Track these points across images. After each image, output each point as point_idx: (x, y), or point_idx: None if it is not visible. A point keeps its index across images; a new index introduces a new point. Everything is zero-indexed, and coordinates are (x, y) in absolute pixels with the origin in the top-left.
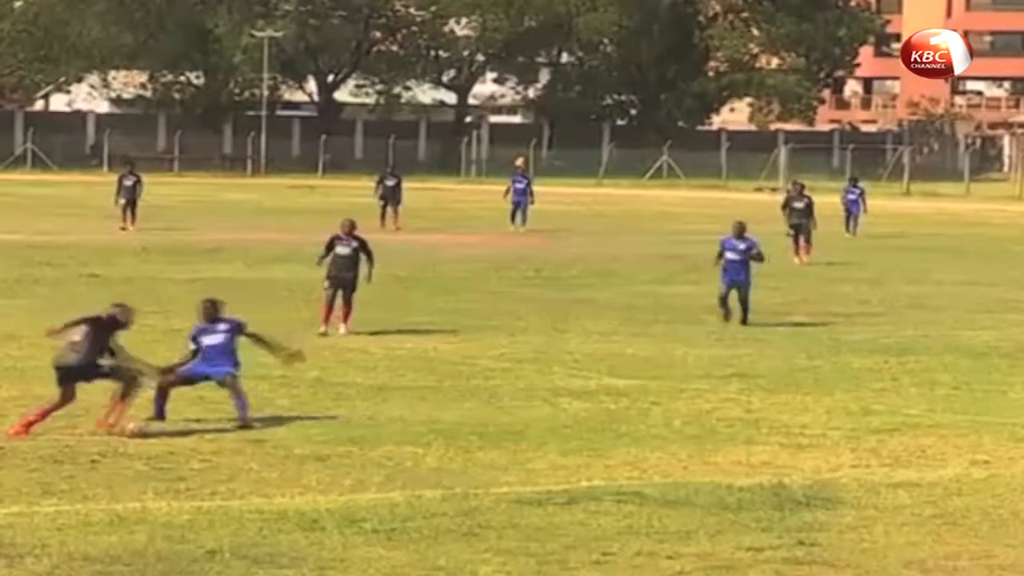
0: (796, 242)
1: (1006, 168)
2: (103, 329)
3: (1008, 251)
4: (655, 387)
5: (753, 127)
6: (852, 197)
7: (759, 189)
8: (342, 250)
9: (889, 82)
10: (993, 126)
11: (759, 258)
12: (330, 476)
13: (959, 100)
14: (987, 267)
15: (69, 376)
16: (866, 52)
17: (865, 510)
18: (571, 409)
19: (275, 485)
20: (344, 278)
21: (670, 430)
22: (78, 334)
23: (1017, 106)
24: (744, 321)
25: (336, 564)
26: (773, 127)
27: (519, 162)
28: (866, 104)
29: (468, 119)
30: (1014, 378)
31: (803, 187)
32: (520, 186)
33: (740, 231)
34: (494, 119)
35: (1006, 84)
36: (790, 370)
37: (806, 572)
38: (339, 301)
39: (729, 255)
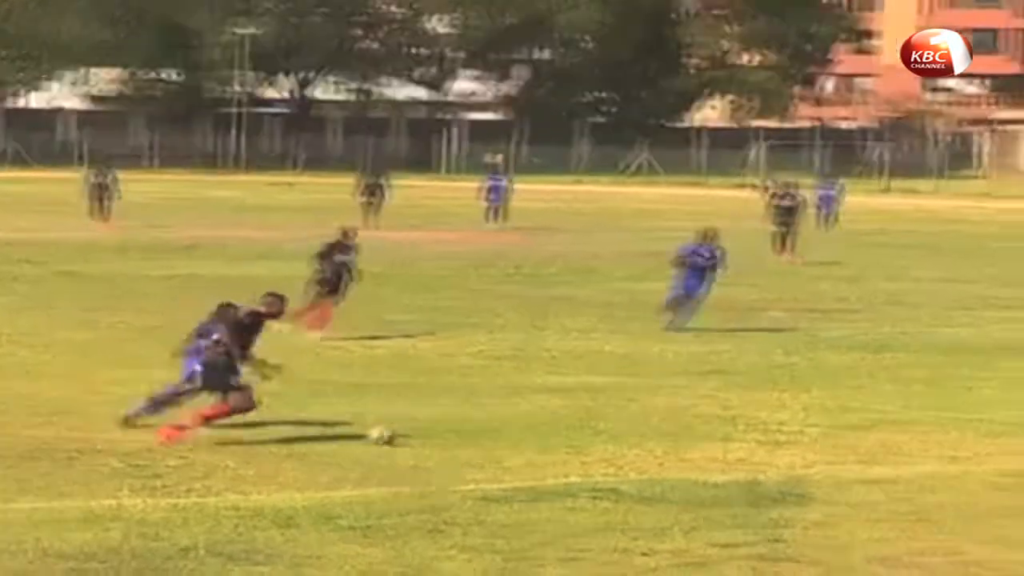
0: (783, 241)
1: (982, 165)
2: (249, 327)
3: (985, 248)
4: (633, 384)
5: (732, 124)
6: (823, 193)
7: (752, 187)
8: (341, 257)
9: (867, 79)
10: (969, 123)
11: (724, 268)
12: (307, 473)
13: (936, 97)
14: (964, 264)
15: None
16: (844, 49)
17: (837, 506)
18: (549, 406)
19: (251, 482)
20: (340, 284)
21: (647, 427)
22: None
23: (993, 103)
24: (673, 325)
25: (311, 561)
26: (752, 124)
27: (496, 159)
28: (844, 101)
29: (446, 116)
30: (990, 375)
31: (793, 186)
32: (493, 184)
33: (708, 237)
34: (473, 116)
35: (980, 81)
36: (767, 367)
37: (778, 568)
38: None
39: (696, 261)
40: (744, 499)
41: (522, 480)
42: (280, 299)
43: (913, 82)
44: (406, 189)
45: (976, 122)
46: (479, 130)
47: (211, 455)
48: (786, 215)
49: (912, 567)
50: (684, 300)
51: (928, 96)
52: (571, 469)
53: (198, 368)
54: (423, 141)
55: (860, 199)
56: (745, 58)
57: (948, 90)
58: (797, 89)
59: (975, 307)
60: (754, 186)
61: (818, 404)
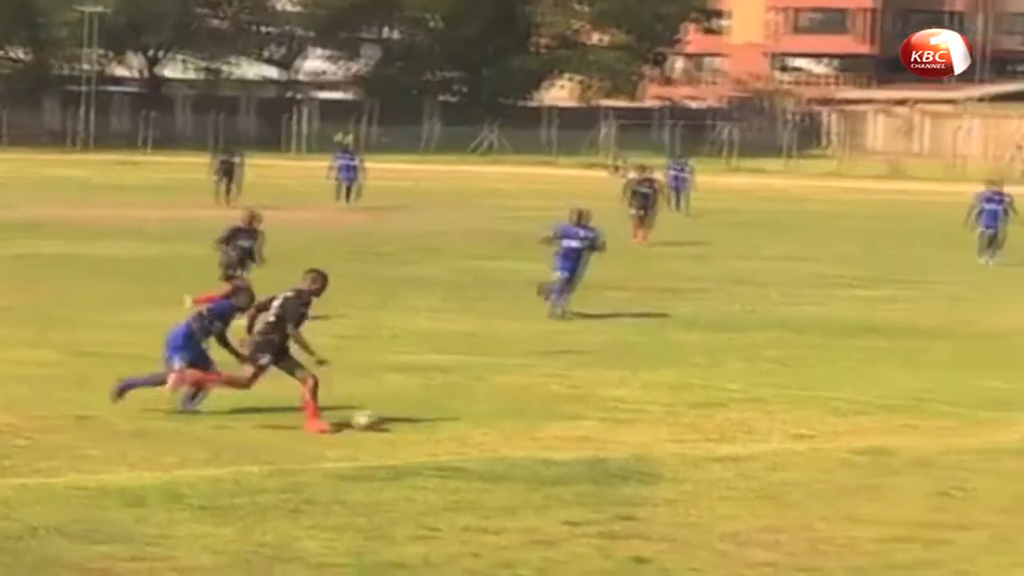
0: (640, 223)
1: (828, 145)
2: (298, 304)
3: (831, 227)
4: (480, 363)
5: (580, 103)
6: (674, 174)
7: (603, 166)
8: (245, 242)
9: (715, 59)
10: (818, 103)
11: (601, 248)
12: (154, 453)
13: (784, 77)
14: (812, 242)
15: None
16: (693, 29)
17: (685, 484)
18: (398, 385)
19: (100, 462)
20: (243, 269)
21: (494, 406)
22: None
23: (840, 83)
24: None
25: (161, 540)
26: (602, 103)
27: (346, 138)
28: (693, 81)
29: (295, 95)
30: (837, 353)
31: (649, 170)
32: (344, 163)
33: (581, 218)
34: (323, 95)
35: (828, 61)
36: (615, 345)
37: (624, 546)
38: None
39: (570, 243)
40: (589, 477)
41: (374, 459)
42: (323, 276)
43: (761, 62)
44: (258, 168)
45: (824, 102)
46: (329, 109)
47: (57, 436)
48: (644, 200)
49: (762, 544)
50: (565, 283)
51: (776, 76)
52: (420, 448)
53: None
54: (273, 120)
55: (709, 178)
56: (595, 37)
57: (796, 70)
58: (647, 69)
59: (821, 286)
60: (604, 165)
61: (666, 383)
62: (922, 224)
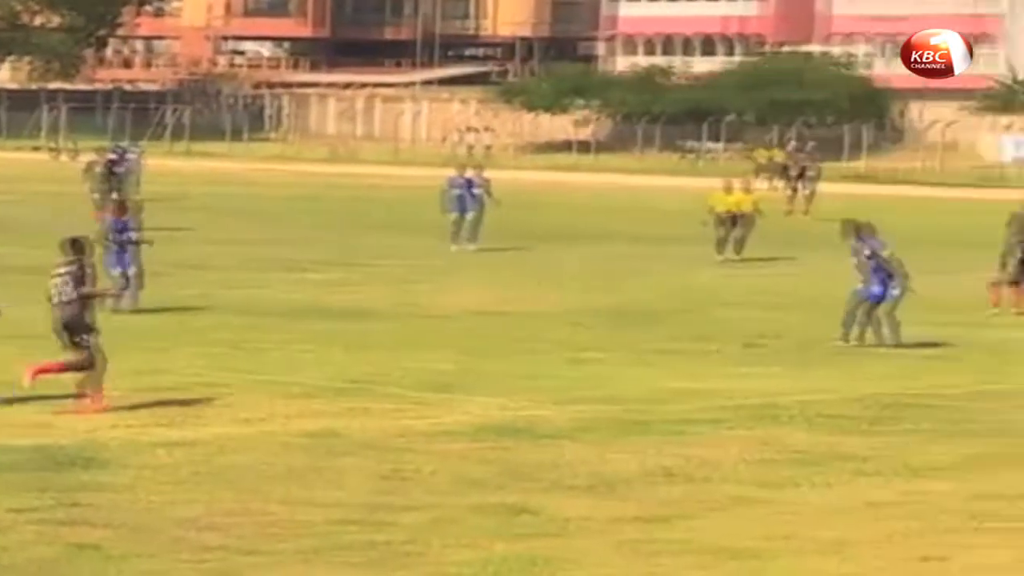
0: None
1: (276, 128)
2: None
3: (281, 210)
4: None
5: (30, 85)
6: (116, 156)
7: (49, 150)
8: None
9: (166, 42)
10: (267, 85)
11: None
12: None
13: (234, 60)
14: (262, 226)
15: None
16: (146, 12)
17: (132, 469)
18: None
19: None
20: None
21: None
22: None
23: (290, 66)
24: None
25: None
26: (48, 86)
27: None
28: (146, 63)
29: None
30: (288, 336)
31: (116, 152)
32: None
33: (124, 212)
34: None
35: (278, 44)
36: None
37: (69, 532)
38: None
39: (130, 235)
40: (36, 463)
41: None
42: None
43: (211, 44)
44: None
45: (272, 85)
46: None
47: None
48: (110, 183)
49: (211, 528)
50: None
51: (226, 59)
52: None
53: None
54: None
55: (159, 162)
56: (40, 19)
57: (240, 53)
58: (92, 51)
59: (275, 269)
60: (48, 148)
61: (116, 368)
62: (371, 207)
